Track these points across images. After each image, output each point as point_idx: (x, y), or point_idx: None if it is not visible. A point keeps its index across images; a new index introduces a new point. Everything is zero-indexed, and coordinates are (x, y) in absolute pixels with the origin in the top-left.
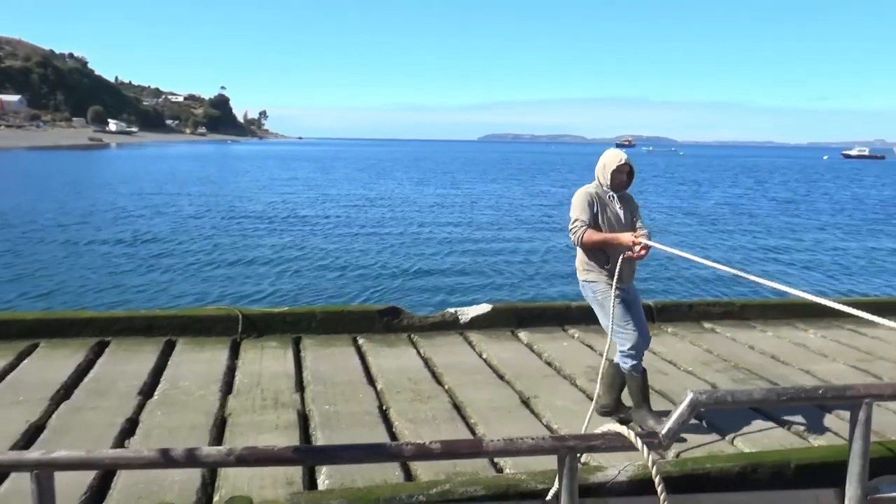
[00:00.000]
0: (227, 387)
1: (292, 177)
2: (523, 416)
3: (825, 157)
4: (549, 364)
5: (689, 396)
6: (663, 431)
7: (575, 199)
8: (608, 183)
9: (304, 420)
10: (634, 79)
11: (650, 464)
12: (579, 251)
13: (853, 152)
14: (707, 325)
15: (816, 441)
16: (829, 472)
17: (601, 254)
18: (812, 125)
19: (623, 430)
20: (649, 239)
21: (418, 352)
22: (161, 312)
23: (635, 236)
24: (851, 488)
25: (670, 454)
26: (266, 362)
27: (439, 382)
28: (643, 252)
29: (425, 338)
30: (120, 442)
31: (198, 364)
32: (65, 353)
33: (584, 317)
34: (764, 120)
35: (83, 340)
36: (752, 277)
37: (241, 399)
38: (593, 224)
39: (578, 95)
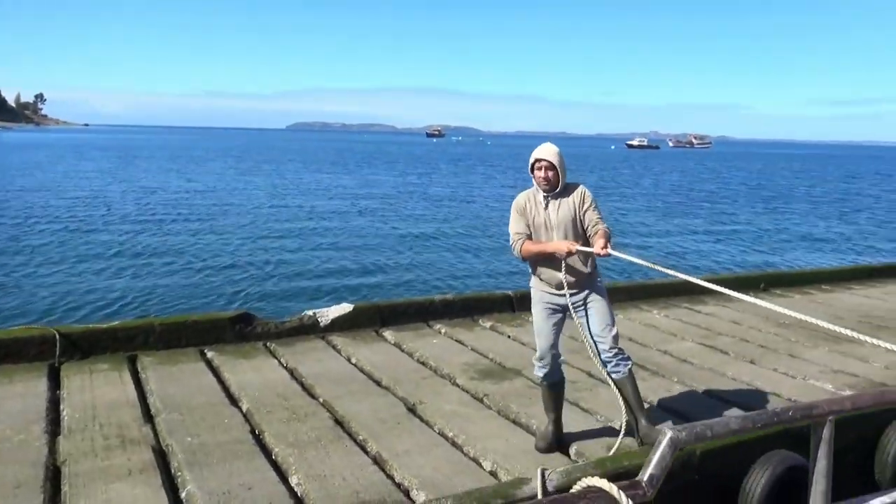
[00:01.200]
0: (54, 425)
1: (97, 168)
2: (414, 427)
3: (612, 147)
4: (423, 364)
5: (668, 436)
6: (645, 478)
7: (511, 212)
8: (535, 185)
9: (162, 458)
10: (444, 70)
11: None
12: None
13: (635, 143)
14: None
15: None
16: (745, 457)
17: (538, 261)
18: (599, 118)
19: (604, 483)
20: (608, 237)
21: (280, 362)
22: None
23: (571, 245)
24: None
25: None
26: (98, 390)
27: (312, 396)
28: (603, 252)
29: (284, 345)
30: None
31: (9, 399)
32: None
33: (448, 311)
34: (558, 112)
35: None
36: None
37: (76, 440)
38: (532, 233)
39: (389, 85)
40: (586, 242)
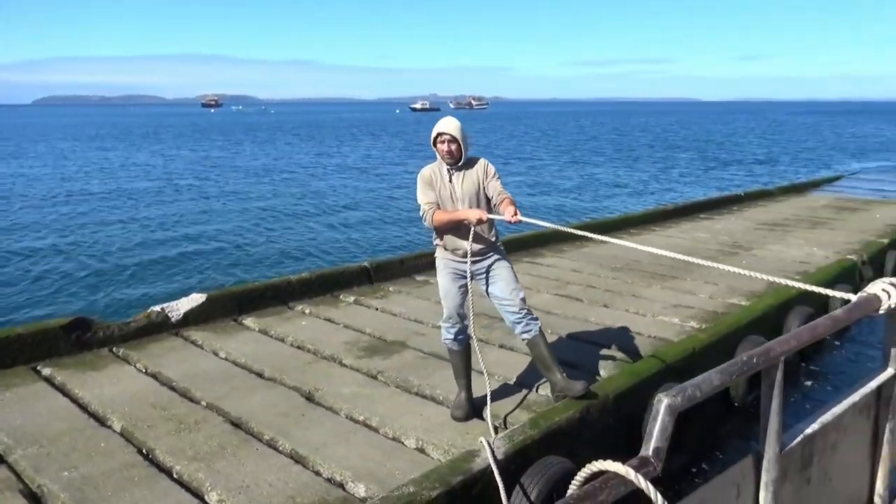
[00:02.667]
0: None
1: None
2: (321, 416)
3: (397, 111)
4: (300, 349)
5: (665, 403)
6: (651, 452)
7: (418, 183)
8: (439, 158)
9: (37, 502)
10: (211, 35)
11: (651, 493)
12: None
13: (418, 105)
14: (420, 278)
15: (604, 372)
16: (645, 393)
17: (444, 230)
18: (379, 82)
19: (618, 467)
20: (514, 204)
21: (137, 368)
22: None
23: (482, 213)
24: (770, 448)
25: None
26: None
27: (192, 400)
28: (514, 220)
29: (135, 348)
30: None
31: None
32: None
33: (307, 290)
34: (339, 78)
35: None
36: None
37: None
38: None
39: (150, 52)
40: (491, 212)
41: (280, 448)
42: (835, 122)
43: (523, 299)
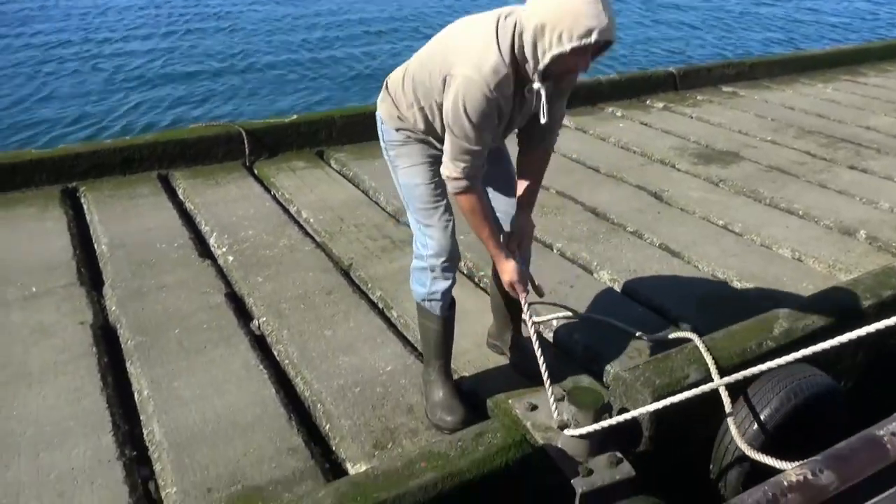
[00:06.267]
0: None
1: None
2: (676, 215)
3: None
4: (626, 150)
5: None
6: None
7: (467, 112)
8: (543, 68)
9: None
10: None
11: None
12: (401, 81)
13: None
14: (726, 88)
15: None
16: None
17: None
18: None
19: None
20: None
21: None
22: None
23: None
24: None
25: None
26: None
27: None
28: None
29: None
30: None
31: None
32: None
33: (616, 92)
34: None
35: None
36: None
37: (345, 241)
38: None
39: None
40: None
41: (647, 240)
42: None
43: None
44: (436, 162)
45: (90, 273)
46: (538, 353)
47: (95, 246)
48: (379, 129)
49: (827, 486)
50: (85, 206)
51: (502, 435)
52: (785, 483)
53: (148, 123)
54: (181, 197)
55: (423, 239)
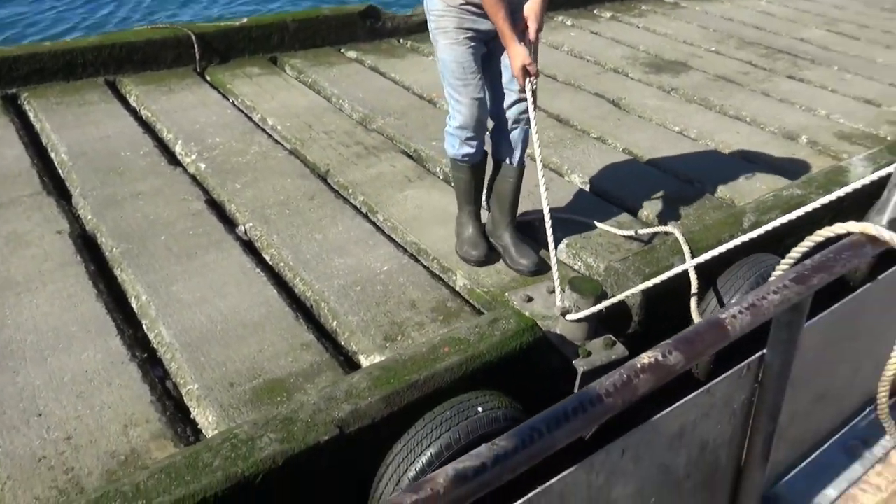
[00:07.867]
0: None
1: None
2: (635, 122)
3: None
4: (580, 58)
5: None
6: (885, 223)
7: None
8: None
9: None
10: None
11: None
12: None
13: None
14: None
15: None
16: None
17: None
18: None
19: (868, 227)
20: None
21: (430, 59)
22: None
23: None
24: None
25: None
26: (282, 93)
27: None
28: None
29: (421, 41)
30: None
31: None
32: None
33: None
34: None
35: None
36: None
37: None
38: None
39: None
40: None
41: (612, 145)
42: None
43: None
44: (472, 41)
45: (52, 182)
46: (549, 240)
47: (53, 155)
48: None
49: (675, 366)
50: (31, 114)
51: (515, 321)
52: (638, 365)
53: (90, 25)
54: (133, 104)
55: (452, 111)
